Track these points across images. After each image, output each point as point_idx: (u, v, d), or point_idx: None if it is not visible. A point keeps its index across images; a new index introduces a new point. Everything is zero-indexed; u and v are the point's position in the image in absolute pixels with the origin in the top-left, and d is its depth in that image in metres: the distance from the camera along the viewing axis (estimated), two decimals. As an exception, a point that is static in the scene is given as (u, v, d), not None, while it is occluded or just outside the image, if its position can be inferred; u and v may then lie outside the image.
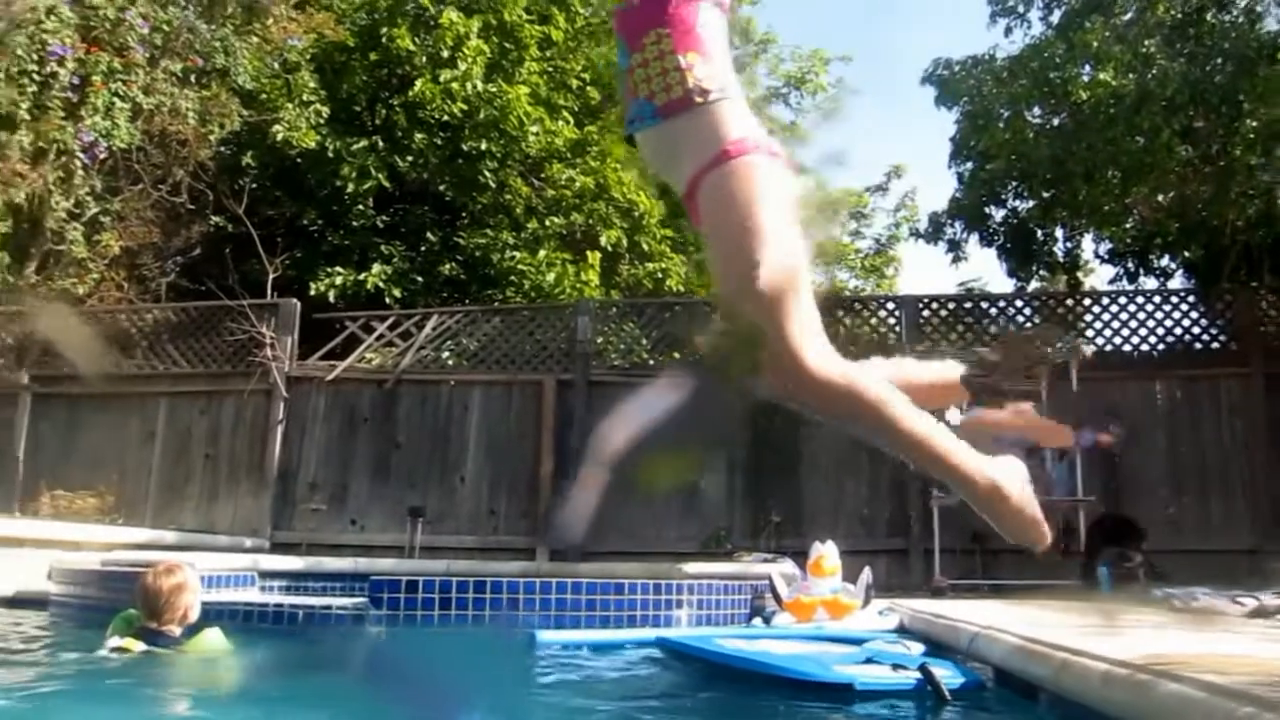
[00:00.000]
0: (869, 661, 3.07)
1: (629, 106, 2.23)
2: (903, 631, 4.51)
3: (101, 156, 11.04)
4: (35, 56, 10.24)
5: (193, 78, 11.69)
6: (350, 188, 12.54)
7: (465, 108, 12.85)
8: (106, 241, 11.39)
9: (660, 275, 13.27)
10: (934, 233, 13.17)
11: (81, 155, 10.71)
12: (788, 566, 5.79)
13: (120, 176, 11.55)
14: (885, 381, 2.08)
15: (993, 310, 10.12)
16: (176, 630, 3.54)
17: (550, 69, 13.97)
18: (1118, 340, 9.82)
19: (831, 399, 2.03)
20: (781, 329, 1.98)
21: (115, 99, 10.81)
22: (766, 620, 5.10)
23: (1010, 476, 2.16)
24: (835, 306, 10.92)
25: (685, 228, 14.28)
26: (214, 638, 3.56)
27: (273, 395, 9.98)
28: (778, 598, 5.15)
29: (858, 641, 3.51)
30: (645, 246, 13.49)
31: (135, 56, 11.13)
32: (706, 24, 2.21)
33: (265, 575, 5.55)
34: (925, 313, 10.00)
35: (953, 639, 3.57)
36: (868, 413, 2.02)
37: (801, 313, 2.02)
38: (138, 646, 3.46)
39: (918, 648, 3.34)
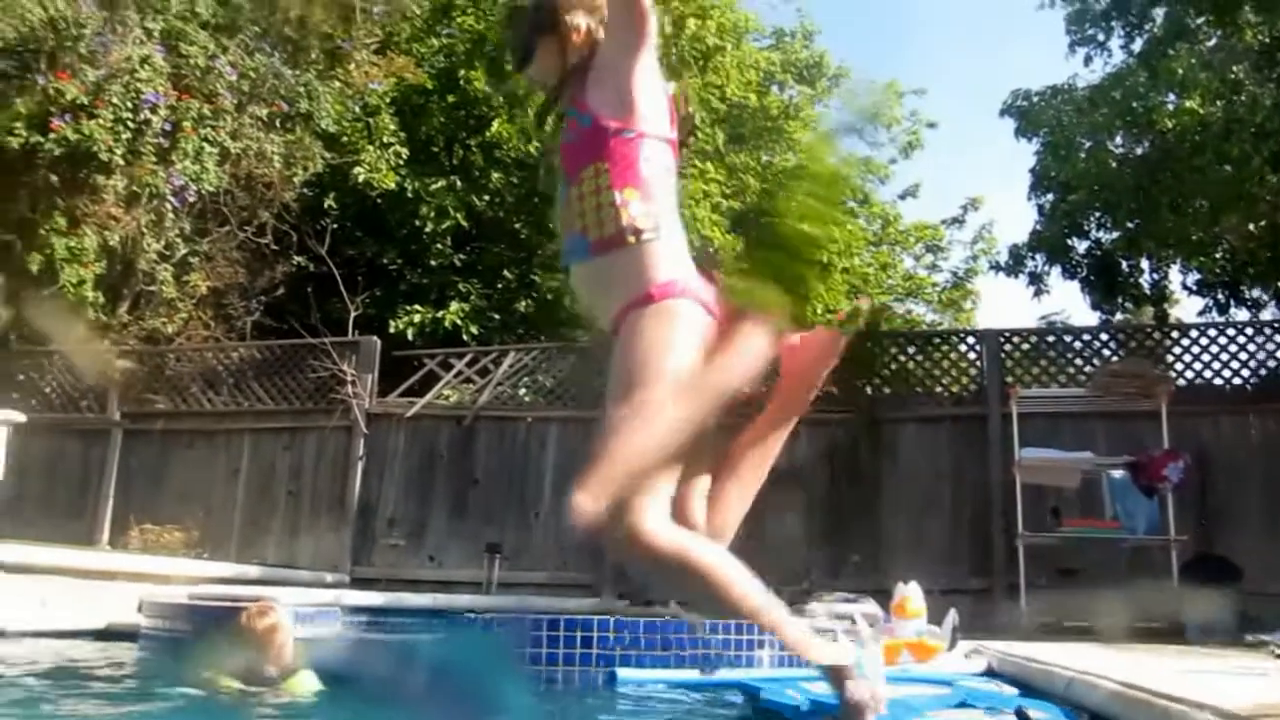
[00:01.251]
0: (962, 705, 2.98)
1: (564, 237, 2.20)
2: (991, 674, 4.38)
3: (191, 199, 11.40)
4: (130, 104, 10.62)
5: (278, 122, 12.02)
6: (429, 227, 12.75)
7: (541, 147, 13.00)
8: (195, 282, 11.72)
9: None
10: (1015, 265, 12.97)
11: (172, 199, 11.06)
12: (870, 607, 5.68)
13: (208, 219, 11.90)
14: (719, 551, 2.01)
15: (1077, 344, 9.88)
16: (273, 671, 3.58)
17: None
18: (1208, 374, 9.51)
19: (660, 566, 1.96)
20: (625, 490, 1.93)
21: (204, 144, 11.15)
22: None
23: (842, 656, 2.12)
24: (910, 341, 10.79)
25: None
26: (308, 679, 3.59)
27: (353, 432, 10.12)
28: (860, 640, 5.03)
29: (946, 683, 3.42)
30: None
31: (224, 103, 11.49)
32: (649, 159, 2.17)
33: (349, 610, 5.60)
34: (1007, 347, 9.80)
35: (1047, 683, 3.46)
36: (696, 581, 1.95)
37: (653, 476, 1.96)
38: (235, 685, 3.50)
39: (1010, 690, 3.23)
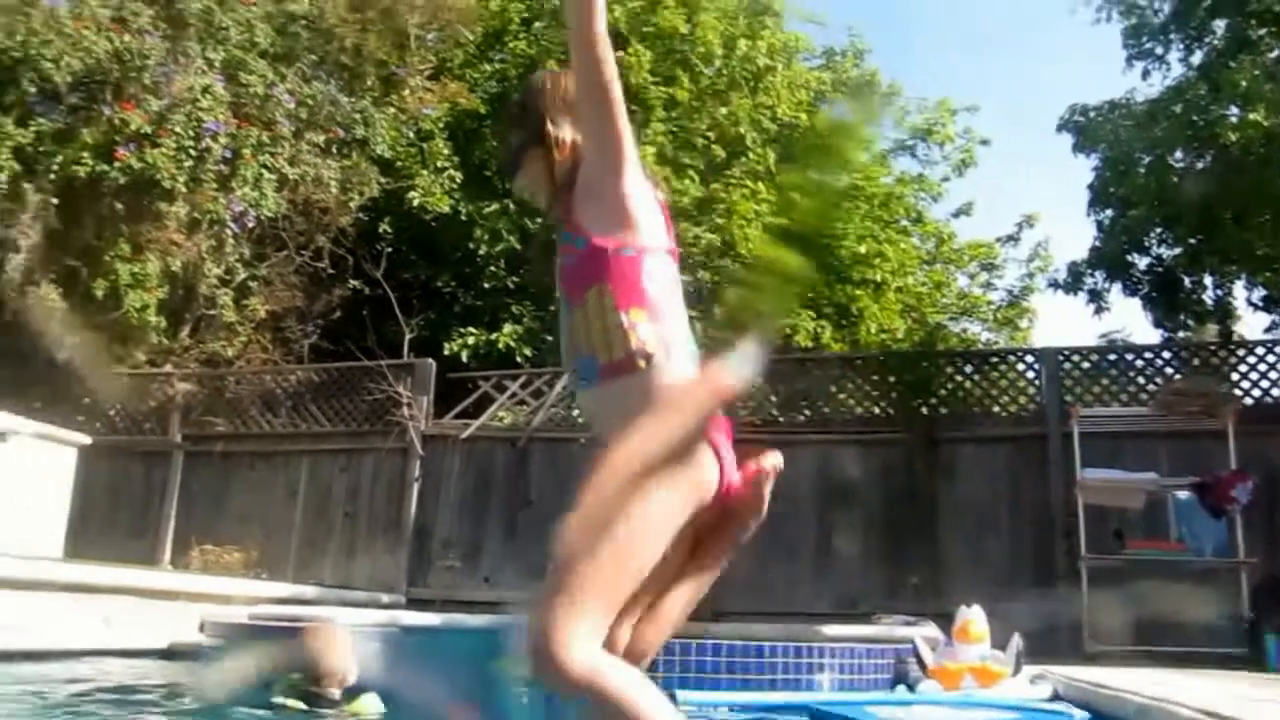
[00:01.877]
0: (1030, 731, 2.91)
1: (572, 360, 2.14)
2: (1056, 700, 4.29)
3: (250, 225, 11.61)
4: (192, 133, 10.85)
5: (334, 148, 12.22)
6: (482, 250, 12.85)
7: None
8: (254, 306, 11.91)
9: (789, 331, 13.15)
10: (1073, 283, 12.78)
11: (232, 224, 11.27)
12: (931, 630, 5.58)
13: (267, 244, 12.10)
14: (639, 683, 1.92)
15: (1138, 362, 9.68)
16: (336, 693, 3.60)
17: (675, 129, 14.12)
18: (1276, 391, 9.28)
19: (573, 690, 1.87)
20: (553, 604, 1.85)
21: (263, 170, 11.36)
22: (910, 687, 4.91)
23: None
24: (967, 360, 10.65)
25: (815, 283, 14.18)
26: (371, 701, 3.61)
27: (409, 453, 10.19)
28: (922, 663, 4.96)
29: (1013, 709, 3.34)
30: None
31: (282, 130, 11.70)
32: (653, 275, 2.11)
33: (406, 631, 5.62)
34: (1066, 365, 9.63)
35: (1117, 709, 3.37)
36: (608, 708, 1.86)
37: (589, 596, 1.86)
38: (299, 706, 3.53)
39: (1081, 714, 3.15)
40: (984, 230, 18.62)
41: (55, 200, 10.66)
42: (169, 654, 5.44)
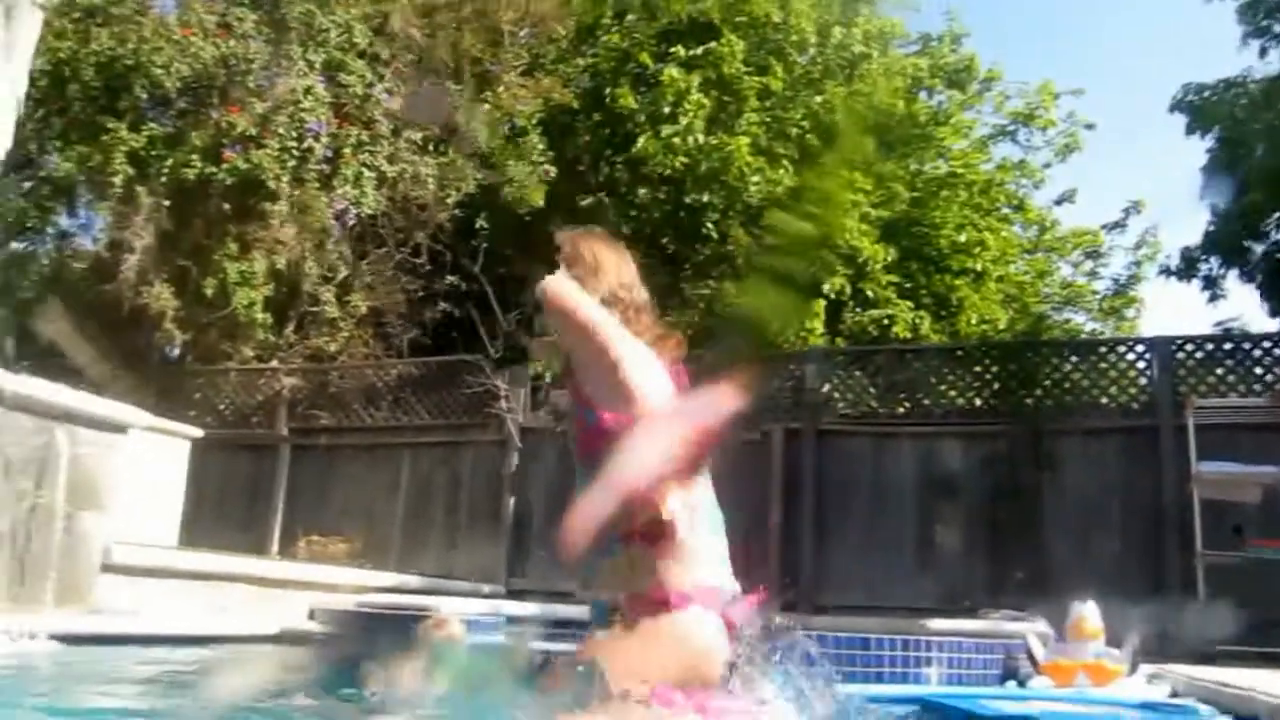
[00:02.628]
0: (1157, 729, 2.80)
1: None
2: (1176, 699, 4.13)
3: (351, 223, 11.84)
4: (295, 133, 11.11)
5: (431, 145, 12.38)
6: (575, 243, 12.92)
7: (687, 161, 13.04)
8: (355, 302, 12.15)
9: (886, 322, 12.97)
10: (1186, 269, 12.33)
11: (334, 222, 11.51)
12: (1041, 625, 5.43)
13: (367, 241, 12.34)
14: None
15: (1256, 351, 9.29)
16: (416, 685, 3.62)
17: (769, 119, 14.01)
18: (1406, 382, 8.83)
19: None
20: None
21: (363, 169, 11.58)
22: (1021, 683, 4.78)
23: None
24: (1074, 350, 10.36)
25: (914, 273, 13.96)
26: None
27: (507, 445, 10.29)
28: (1033, 659, 4.82)
29: (1137, 706, 3.23)
30: (870, 293, 13.23)
31: (380, 129, 11.90)
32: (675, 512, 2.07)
33: (510, 620, 5.68)
34: (1179, 355, 9.28)
35: (1245, 709, 3.23)
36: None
37: None
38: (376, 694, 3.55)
39: (1207, 709, 3.03)
40: (1088, 217, 18.06)
41: (166, 202, 11.02)
42: (280, 640, 5.56)
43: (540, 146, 13.06)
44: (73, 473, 5.70)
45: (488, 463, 10.43)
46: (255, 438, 11.31)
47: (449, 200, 12.31)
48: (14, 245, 13.63)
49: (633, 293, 2.25)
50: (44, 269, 13.99)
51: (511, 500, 10.20)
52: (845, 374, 10.43)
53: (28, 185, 13.34)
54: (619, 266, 2.27)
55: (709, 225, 13.07)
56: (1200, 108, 11.82)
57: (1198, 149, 12.07)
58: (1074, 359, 9.82)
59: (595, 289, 2.20)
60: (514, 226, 13.33)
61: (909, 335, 13.15)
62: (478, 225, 13.18)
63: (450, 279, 13.01)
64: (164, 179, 10.90)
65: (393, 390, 11.23)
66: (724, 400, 1.97)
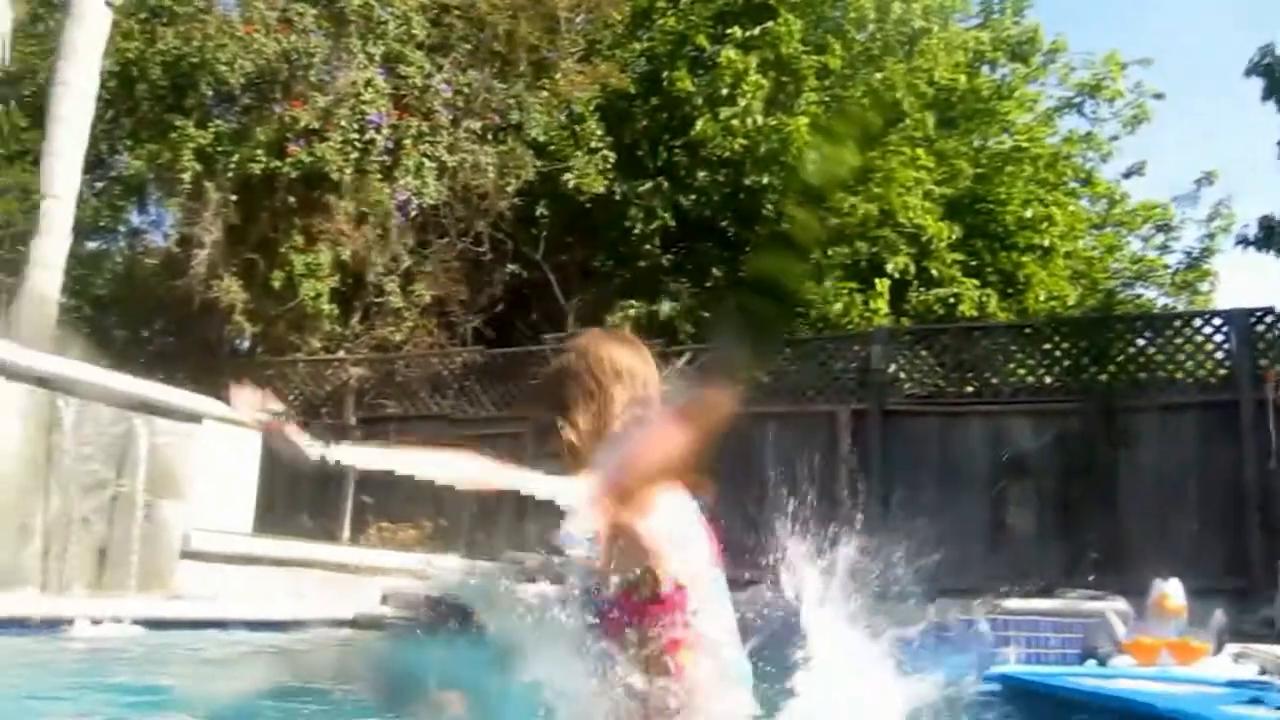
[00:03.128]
0: (1254, 702, 2.73)
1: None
2: (1265, 677, 4.02)
3: (413, 213, 11.94)
4: (356, 125, 11.22)
5: (490, 134, 12.44)
6: (637, 229, 12.91)
7: (746, 143, 12.94)
8: (419, 292, 12.25)
9: (952, 300, 12.77)
10: (1265, 239, 11.92)
11: (396, 213, 11.61)
12: (1120, 604, 5.33)
13: (429, 231, 12.43)
14: None
15: (1339, 323, 8.99)
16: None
17: (829, 97, 13.85)
18: None
19: None
20: None
21: (424, 159, 11.66)
22: (1101, 662, 4.68)
23: None
24: (1148, 324, 10.13)
25: (979, 250, 13.74)
26: None
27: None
28: (1114, 638, 4.73)
29: (1226, 684, 3.14)
30: (935, 272, 13.04)
31: (440, 119, 11.98)
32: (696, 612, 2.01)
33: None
34: (1259, 327, 9.01)
35: (1340, 686, 3.13)
36: None
37: None
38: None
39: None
40: (1158, 190, 17.64)
41: (233, 197, 11.20)
42: (355, 624, 5.65)
43: (598, 133, 13.05)
44: (151, 462, 5.84)
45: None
46: (324, 426, 11.46)
47: (509, 189, 12.35)
48: (89, 245, 13.93)
49: (650, 389, 2.19)
50: (117, 266, 14.33)
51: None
52: (911, 354, 10.30)
53: (100, 185, 13.65)
54: (642, 369, 2.21)
55: (769, 207, 12.97)
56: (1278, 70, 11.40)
57: (1275, 115, 11.64)
58: (1148, 334, 9.60)
59: (619, 398, 2.14)
60: (574, 213, 13.34)
61: (975, 314, 12.95)
62: (538, 213, 13.21)
63: (511, 267, 13.07)
64: (230, 174, 11.08)
65: (458, 379, 11.31)
66: (716, 404, 1.92)
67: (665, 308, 12.48)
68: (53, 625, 4.89)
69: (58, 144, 7.09)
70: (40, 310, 7.03)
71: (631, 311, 12.39)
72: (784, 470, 9.80)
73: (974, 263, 13.51)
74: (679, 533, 2.06)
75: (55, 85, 7.31)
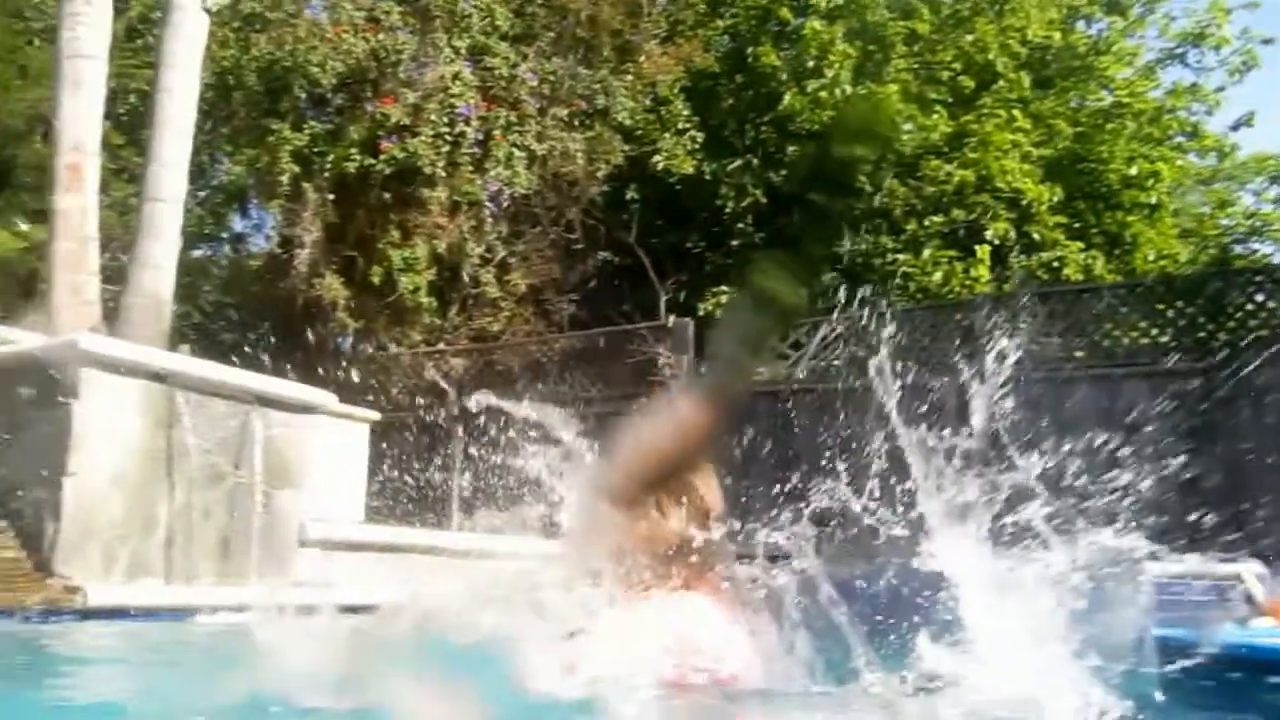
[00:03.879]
0: None
1: None
2: None
3: (505, 204, 12.02)
4: (446, 119, 11.33)
5: (577, 121, 12.45)
6: (729, 208, 12.82)
7: (834, 115, 12.74)
8: (514, 281, 12.35)
9: (1056, 264, 12.41)
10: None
11: (489, 204, 11.71)
12: (1257, 566, 5.11)
13: (521, 220, 12.51)
14: None
15: None
16: None
17: (918, 64, 13.56)
18: None
19: None
20: None
21: (514, 149, 11.73)
22: (1240, 625, 4.49)
23: None
24: (1270, 277, 9.69)
25: (1082, 212, 13.32)
26: None
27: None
28: (1252, 600, 4.53)
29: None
30: (1036, 236, 12.67)
31: (527, 108, 12.03)
32: None
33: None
34: (1397, 277, 8.56)
35: None
36: None
37: None
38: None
39: None
40: (1270, 142, 16.89)
41: (331, 196, 11.42)
42: (470, 607, 5.69)
43: (685, 113, 12.98)
44: (268, 453, 5.97)
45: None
46: (428, 418, 11.63)
47: (598, 174, 12.36)
48: (194, 253, 14.36)
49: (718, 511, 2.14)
50: (223, 272, 14.75)
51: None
52: (1017, 320, 10.03)
53: (202, 195, 14.06)
54: (715, 493, 2.16)
55: (862, 178, 12.74)
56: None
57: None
58: (1269, 288, 9.19)
59: (681, 525, 2.06)
60: (665, 195, 13.30)
61: (1081, 277, 12.56)
62: (628, 197, 13.20)
63: (604, 253, 13.09)
64: (327, 174, 11.29)
65: (557, 365, 11.36)
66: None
67: (760, 287, 12.35)
68: (179, 614, 5.05)
69: (163, 149, 7.30)
70: (155, 311, 7.24)
71: (724, 298, 12.31)
72: (894, 446, 9.64)
73: (1077, 225, 13.11)
74: None
75: (158, 93, 7.51)
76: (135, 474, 5.53)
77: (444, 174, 11.29)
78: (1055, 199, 12.70)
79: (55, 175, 6.72)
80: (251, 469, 5.87)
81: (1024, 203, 12.61)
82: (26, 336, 6.39)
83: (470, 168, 11.50)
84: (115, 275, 8.56)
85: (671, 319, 11.26)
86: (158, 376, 5.59)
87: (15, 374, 5.77)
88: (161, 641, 4.60)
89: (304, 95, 11.62)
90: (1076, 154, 13.73)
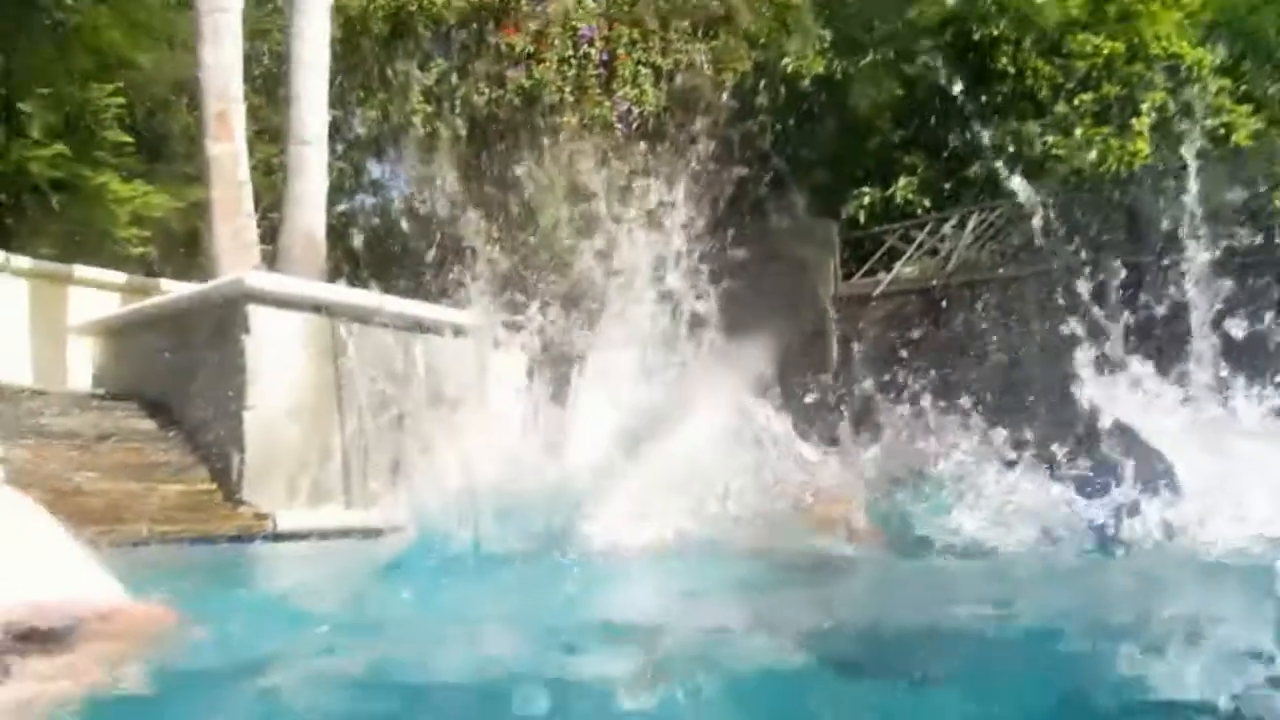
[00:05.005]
0: None
1: None
2: None
3: (635, 124, 11.89)
4: (570, 43, 11.23)
5: (701, 32, 12.18)
6: (863, 106, 12.39)
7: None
8: (650, 200, 12.23)
9: (1222, 131, 11.59)
10: None
11: (619, 125, 11.60)
12: None
13: (653, 138, 12.36)
14: None
15: None
16: None
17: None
18: None
19: None
20: None
21: (639, 67, 11.56)
22: None
23: None
24: None
25: (1248, 74, 12.41)
26: None
27: (823, 318, 10.11)
28: None
29: None
30: (1198, 103, 11.84)
31: (649, 24, 11.82)
32: None
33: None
34: None
35: None
36: None
37: None
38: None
39: None
40: None
41: (463, 133, 11.48)
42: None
43: (810, 13, 12.56)
44: (429, 378, 6.07)
45: (803, 334, 10.29)
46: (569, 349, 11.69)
47: (726, 83, 12.10)
48: (336, 208, 14.69)
49: None
50: (367, 221, 15.07)
51: (834, 367, 10.03)
52: (1176, 194, 9.42)
53: (340, 149, 14.33)
54: None
55: (1003, 61, 12.13)
56: None
57: None
58: None
59: None
60: (797, 100, 12.94)
61: (1251, 144, 11.73)
62: (758, 104, 12.89)
63: (740, 164, 12.84)
64: (457, 111, 11.35)
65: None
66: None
67: (901, 185, 11.94)
68: (364, 534, 5.20)
69: (303, 90, 7.41)
70: (311, 249, 7.43)
71: (866, 199, 11.97)
72: (1042, 332, 9.25)
73: (1244, 88, 12.21)
74: None
75: (292, 38, 7.62)
76: (308, 404, 5.70)
77: (572, 99, 11.22)
78: (1217, 62, 11.85)
79: (204, 125, 6.91)
80: (415, 394, 5.99)
81: (1182, 69, 11.81)
82: (189, 288, 6.63)
83: (597, 90, 11.39)
84: (267, 234, 8.83)
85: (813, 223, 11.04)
86: (321, 309, 5.73)
87: (189, 316, 6.01)
88: (349, 560, 4.75)
89: (429, 34, 11.67)
90: (1237, 11, 12.76)
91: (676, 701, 1.37)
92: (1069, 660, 1.61)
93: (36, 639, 1.34)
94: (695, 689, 1.42)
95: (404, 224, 12.84)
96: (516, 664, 1.62)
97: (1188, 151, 10.84)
